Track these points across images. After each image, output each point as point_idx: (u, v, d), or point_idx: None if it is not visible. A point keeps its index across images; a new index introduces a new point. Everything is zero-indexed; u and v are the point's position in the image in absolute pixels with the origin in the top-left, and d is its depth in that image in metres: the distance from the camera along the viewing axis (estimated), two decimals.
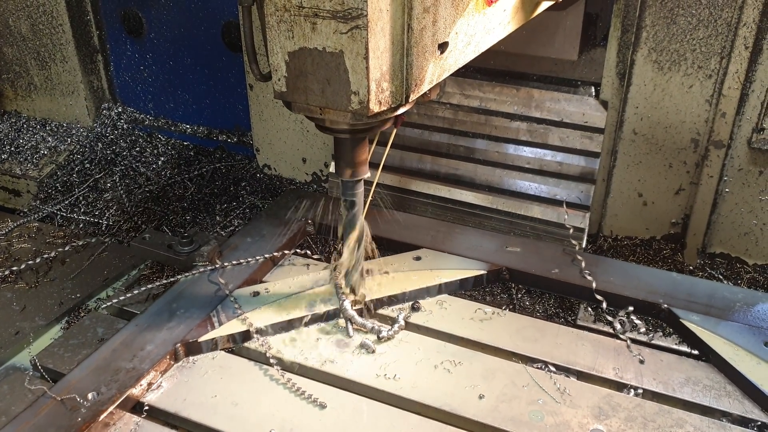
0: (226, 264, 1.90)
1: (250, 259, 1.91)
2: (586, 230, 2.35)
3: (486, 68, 2.43)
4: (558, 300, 1.92)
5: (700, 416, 1.52)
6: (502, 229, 2.34)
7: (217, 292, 1.80)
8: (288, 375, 1.58)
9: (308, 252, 2.03)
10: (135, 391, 1.52)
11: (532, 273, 1.95)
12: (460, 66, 1.52)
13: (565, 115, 2.32)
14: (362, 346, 1.67)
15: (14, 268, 2.09)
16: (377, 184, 2.48)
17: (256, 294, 1.79)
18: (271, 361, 1.62)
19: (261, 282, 1.90)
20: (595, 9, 2.16)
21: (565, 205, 2.32)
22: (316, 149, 2.62)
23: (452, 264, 1.96)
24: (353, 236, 1.71)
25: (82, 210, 2.66)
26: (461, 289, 1.92)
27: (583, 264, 1.94)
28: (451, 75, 2.41)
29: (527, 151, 2.41)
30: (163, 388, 1.56)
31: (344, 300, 1.73)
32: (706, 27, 2.04)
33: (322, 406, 1.51)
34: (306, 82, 1.35)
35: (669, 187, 2.28)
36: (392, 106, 1.38)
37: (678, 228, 2.31)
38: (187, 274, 1.86)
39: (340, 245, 1.75)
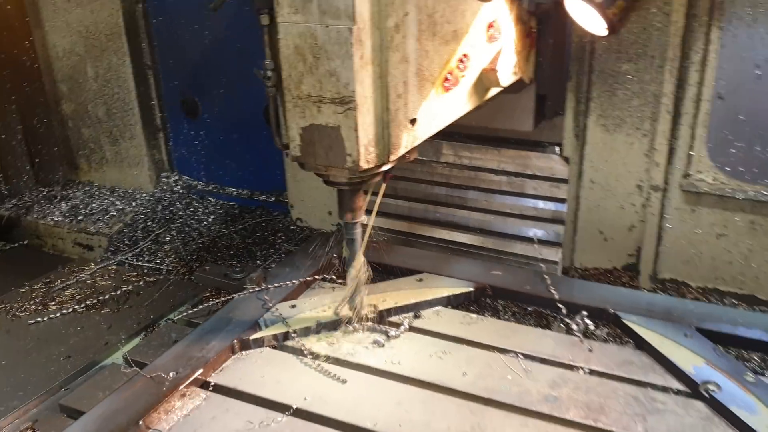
0: (269, 286, 2.31)
1: (288, 283, 2.32)
2: (560, 263, 2.67)
3: (474, 135, 2.79)
4: (528, 309, 2.29)
5: (631, 386, 1.87)
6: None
7: (263, 306, 2.21)
8: (318, 362, 1.99)
9: (334, 278, 2.43)
10: (203, 372, 1.92)
11: (509, 289, 2.33)
12: (429, 136, 1.87)
13: (536, 169, 2.70)
14: (375, 342, 2.08)
15: (99, 298, 2.52)
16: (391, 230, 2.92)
17: (294, 306, 2.21)
18: (305, 353, 2.03)
19: (297, 299, 2.30)
20: (544, 91, 2.44)
21: (537, 242, 2.67)
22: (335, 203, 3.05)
23: (447, 284, 2.34)
24: (354, 268, 2.02)
25: (146, 259, 3.02)
26: (453, 302, 2.29)
27: (549, 282, 2.33)
28: (446, 140, 2.88)
29: (509, 200, 2.80)
30: (224, 371, 1.96)
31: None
32: (638, 98, 2.36)
33: (344, 382, 1.91)
34: (314, 148, 1.71)
35: (623, 224, 2.55)
36: (377, 164, 1.72)
37: (633, 258, 2.57)
38: (239, 294, 2.29)
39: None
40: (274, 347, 2.07)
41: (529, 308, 2.31)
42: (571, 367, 1.96)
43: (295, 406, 1.82)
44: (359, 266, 2.03)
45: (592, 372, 1.94)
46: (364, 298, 2.10)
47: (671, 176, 2.43)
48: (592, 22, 2.07)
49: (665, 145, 2.39)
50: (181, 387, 1.85)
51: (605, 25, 2.03)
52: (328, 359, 2.01)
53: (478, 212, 2.86)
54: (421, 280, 2.36)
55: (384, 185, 2.01)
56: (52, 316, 2.41)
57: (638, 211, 2.52)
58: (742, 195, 2.32)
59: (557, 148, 2.62)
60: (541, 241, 2.73)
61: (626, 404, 1.80)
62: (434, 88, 1.82)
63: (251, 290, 2.28)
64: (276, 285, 2.30)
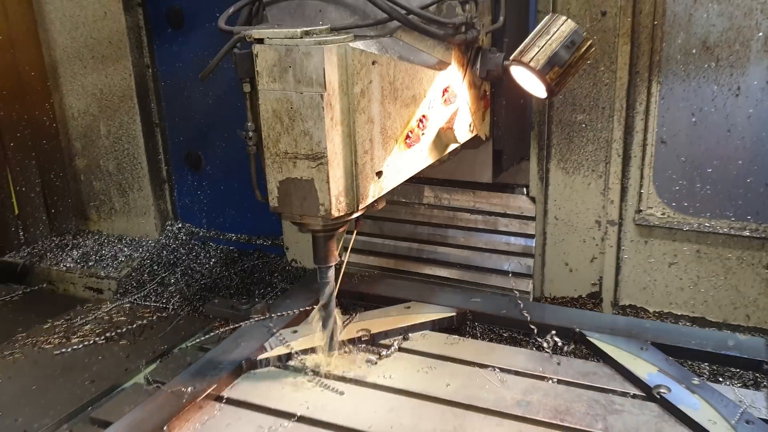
0: (273, 315, 2.52)
1: (289, 312, 2.54)
2: (531, 293, 2.84)
3: (451, 180, 2.99)
4: (504, 330, 2.52)
5: (593, 392, 2.08)
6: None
7: (268, 332, 2.42)
8: (318, 378, 2.20)
9: None
10: (217, 387, 2.12)
11: (487, 313, 2.55)
12: (393, 187, 2.02)
13: (507, 208, 2.89)
14: (368, 361, 2.29)
15: (117, 331, 2.69)
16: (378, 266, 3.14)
17: (295, 331, 2.42)
18: (307, 371, 2.23)
19: (297, 326, 2.50)
20: (500, 147, 2.60)
21: (511, 275, 2.92)
22: None
23: (432, 310, 2.55)
24: (325, 308, 2.16)
25: (153, 299, 3.17)
26: (438, 326, 2.50)
27: (522, 306, 2.55)
28: (428, 184, 3.09)
29: (484, 236, 3.02)
30: (235, 387, 2.16)
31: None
32: (592, 143, 2.58)
33: (341, 393, 2.12)
34: (290, 199, 1.85)
35: (585, 256, 2.73)
36: (347, 212, 1.86)
37: (596, 287, 2.75)
38: (246, 322, 2.50)
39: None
40: (278, 366, 2.28)
41: (505, 331, 2.52)
42: (541, 378, 2.17)
43: (299, 414, 2.02)
44: (331, 307, 2.17)
45: (559, 381, 2.15)
46: (337, 332, 2.25)
47: (625, 212, 2.63)
48: (534, 86, 2.19)
49: (618, 185, 2.60)
50: (197, 400, 2.05)
51: (544, 89, 2.15)
52: (328, 376, 2.22)
53: (457, 248, 3.04)
54: (408, 307, 2.58)
55: (355, 231, 2.16)
56: (74, 347, 2.60)
57: (598, 244, 2.72)
58: (688, 227, 2.53)
59: (525, 189, 2.84)
60: (514, 274, 2.96)
61: (589, 406, 2.02)
62: (397, 144, 1.98)
63: (257, 319, 2.50)
64: (279, 314, 2.52)
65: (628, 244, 2.67)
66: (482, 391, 2.11)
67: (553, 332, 2.38)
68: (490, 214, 3.00)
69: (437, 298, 2.65)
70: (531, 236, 2.88)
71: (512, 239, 2.95)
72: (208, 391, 2.09)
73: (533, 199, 2.83)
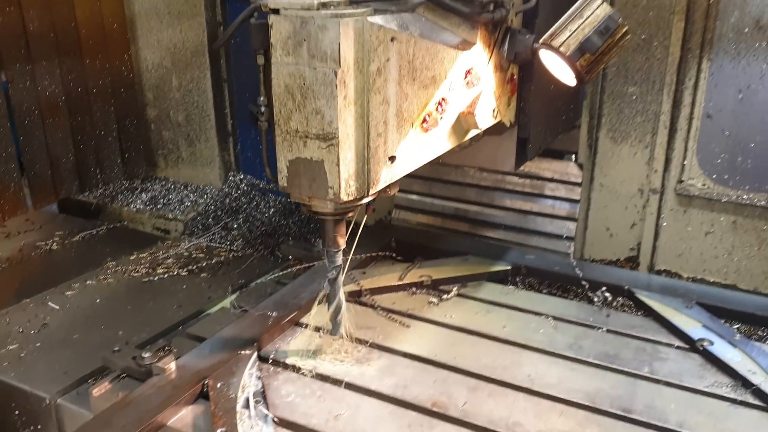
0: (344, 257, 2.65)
1: (358, 256, 2.64)
2: (572, 255, 2.94)
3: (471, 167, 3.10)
4: (556, 285, 2.63)
5: (640, 341, 2.20)
6: None
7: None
8: (386, 313, 2.34)
9: (394, 254, 2.78)
10: (298, 314, 2.26)
11: (541, 269, 2.65)
12: (408, 173, 1.86)
13: (555, 173, 3.02)
14: (430, 302, 2.42)
15: (197, 266, 2.83)
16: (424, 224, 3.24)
17: (364, 272, 2.55)
18: (376, 306, 2.37)
19: (366, 267, 2.63)
20: (524, 135, 2.41)
21: (565, 236, 3.00)
22: (385, 201, 3.35)
23: (488, 263, 2.66)
24: (335, 294, 2.05)
25: (218, 242, 3.32)
26: (494, 278, 2.60)
27: (575, 263, 2.67)
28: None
29: (530, 200, 3.15)
30: (312, 315, 2.30)
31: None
32: (641, 115, 2.63)
33: (408, 326, 2.26)
34: (300, 179, 1.70)
35: (626, 222, 2.79)
36: (357, 197, 1.71)
37: (634, 252, 2.80)
38: (319, 262, 2.62)
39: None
40: (349, 301, 2.42)
41: (556, 286, 2.63)
42: (591, 327, 2.27)
43: (371, 341, 2.17)
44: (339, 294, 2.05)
45: (608, 331, 2.26)
46: (345, 319, 2.12)
47: (667, 182, 2.69)
48: (564, 72, 2.04)
49: (662, 155, 2.66)
50: (281, 323, 2.20)
51: (574, 76, 2.00)
52: (394, 312, 2.36)
53: (503, 210, 3.17)
54: (466, 259, 2.67)
55: (366, 216, 2.00)
56: (160, 276, 2.76)
57: (639, 211, 2.77)
58: (726, 198, 2.59)
59: (573, 156, 2.96)
60: (556, 236, 3.08)
61: (635, 353, 2.14)
62: (413, 128, 1.82)
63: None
64: (348, 257, 2.65)
65: (668, 213, 2.73)
66: (536, 334, 2.24)
67: (603, 288, 2.49)
68: (538, 178, 3.11)
69: (494, 253, 2.75)
70: (576, 201, 2.98)
71: (557, 203, 3.07)
72: (290, 317, 2.23)
73: (581, 166, 2.88)
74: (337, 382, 1.98)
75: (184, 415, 1.86)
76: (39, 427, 2.11)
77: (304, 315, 2.27)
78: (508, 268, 2.64)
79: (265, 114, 1.80)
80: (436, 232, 3.07)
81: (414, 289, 2.50)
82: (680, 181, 2.69)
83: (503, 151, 2.52)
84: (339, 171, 1.65)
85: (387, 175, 1.78)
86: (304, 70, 1.61)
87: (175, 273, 2.78)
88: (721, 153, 2.62)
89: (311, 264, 2.64)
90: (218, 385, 1.91)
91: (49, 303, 2.59)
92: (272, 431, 1.78)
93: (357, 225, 2.02)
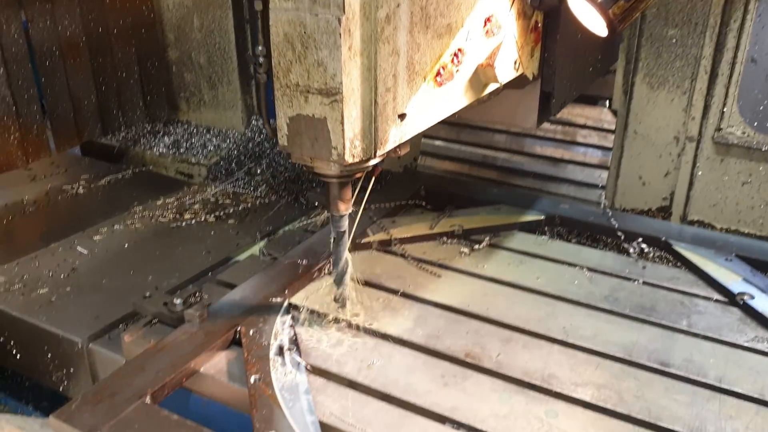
0: (372, 206, 2.56)
1: (386, 204, 2.59)
2: (603, 204, 2.85)
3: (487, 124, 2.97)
4: (590, 236, 2.54)
5: (677, 294, 2.13)
6: None
7: (369, 219, 2.48)
8: (417, 262, 2.28)
9: (423, 203, 2.70)
10: (327, 263, 2.19)
11: (575, 219, 2.55)
12: (420, 131, 1.67)
13: (587, 120, 2.90)
14: (461, 252, 2.36)
15: (225, 212, 2.78)
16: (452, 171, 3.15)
17: (394, 221, 2.49)
18: (406, 256, 2.32)
19: (395, 216, 2.57)
20: (548, 88, 2.16)
21: (599, 187, 2.89)
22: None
23: (521, 213, 2.58)
24: (341, 262, 1.90)
25: (242, 187, 3.27)
26: (527, 228, 2.52)
27: (610, 213, 2.58)
28: None
29: (562, 146, 3.06)
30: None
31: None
32: (680, 59, 2.54)
33: (439, 276, 2.20)
34: (301, 138, 1.54)
35: (660, 171, 2.73)
36: (363, 159, 1.54)
37: (667, 201, 2.75)
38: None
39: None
40: (379, 250, 2.37)
41: (591, 236, 2.54)
42: (627, 279, 2.21)
43: (401, 290, 2.12)
44: (346, 260, 1.91)
45: (644, 283, 2.19)
46: (348, 290, 2.00)
47: (705, 129, 2.60)
48: (594, 21, 1.87)
49: (701, 102, 2.56)
50: (311, 271, 2.15)
51: (605, 25, 1.82)
52: (425, 261, 2.30)
53: (532, 157, 3.07)
54: (498, 209, 2.60)
55: (373, 178, 1.84)
56: (187, 222, 2.71)
57: (674, 159, 2.70)
58: (766, 147, 2.51)
59: (607, 102, 2.83)
60: (586, 184, 2.98)
61: (673, 306, 2.07)
62: (425, 82, 1.62)
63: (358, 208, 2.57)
64: (377, 205, 2.59)
65: (704, 162, 2.66)
66: (571, 286, 2.18)
67: (640, 239, 2.42)
68: (570, 125, 2.99)
69: (526, 202, 2.66)
70: (608, 149, 2.89)
71: (589, 151, 2.95)
72: (320, 265, 2.19)
73: (615, 113, 2.79)
74: (369, 331, 1.95)
75: (218, 361, 1.83)
76: (72, 370, 2.10)
77: None
78: (542, 217, 2.56)
79: (263, 65, 1.66)
80: (466, 180, 2.98)
81: (445, 238, 2.44)
82: (718, 129, 2.60)
83: (524, 106, 2.24)
84: (343, 130, 1.48)
85: (396, 135, 1.60)
86: (305, 16, 1.43)
87: (203, 219, 2.74)
88: (763, 99, 2.55)
89: None
90: (250, 332, 1.88)
91: (78, 247, 2.57)
92: (305, 379, 1.75)
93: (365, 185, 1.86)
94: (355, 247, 2.34)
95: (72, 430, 1.58)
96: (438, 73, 1.66)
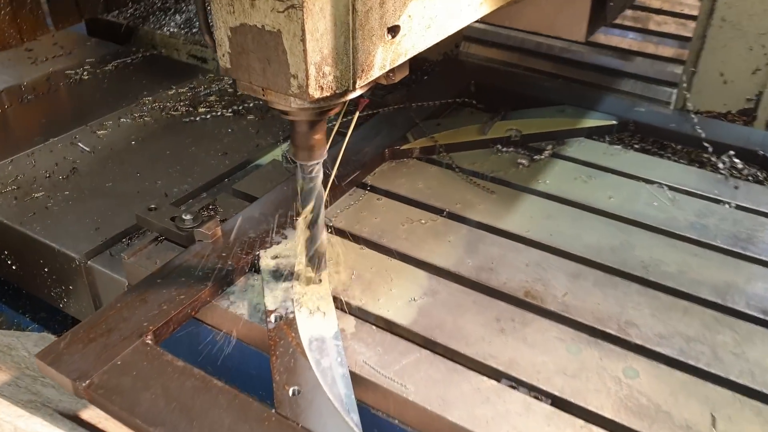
0: (413, 104, 2.12)
1: (430, 102, 2.13)
2: (672, 104, 2.47)
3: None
4: (671, 146, 2.07)
5: None
6: None
7: (409, 122, 2.04)
8: (466, 176, 1.86)
9: (474, 101, 2.23)
10: (360, 174, 1.81)
11: (653, 125, 2.08)
12: (421, 50, 1.19)
13: (663, 3, 2.43)
14: (519, 163, 1.92)
15: (244, 105, 2.34)
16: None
17: (439, 124, 2.03)
18: (453, 166, 1.89)
19: (440, 118, 2.11)
20: None
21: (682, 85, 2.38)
22: None
23: (589, 116, 2.11)
24: (306, 215, 1.36)
25: None
26: (596, 134, 2.07)
27: (695, 120, 2.10)
28: None
29: (628, 35, 2.55)
30: (378, 175, 1.85)
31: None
32: None
33: (492, 192, 1.79)
34: (248, 60, 1.07)
35: (747, 67, 2.26)
36: (337, 92, 1.07)
37: (751, 103, 2.30)
38: (384, 108, 2.12)
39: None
40: (421, 159, 1.93)
41: (672, 147, 2.07)
42: (717, 201, 1.79)
43: (447, 210, 1.72)
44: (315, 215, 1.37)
45: (738, 207, 1.77)
46: (324, 254, 1.45)
47: None
48: None
49: None
50: (342, 184, 1.75)
51: None
52: (476, 174, 1.87)
53: (594, 47, 2.61)
54: (563, 110, 2.13)
55: (357, 113, 1.39)
56: (202, 116, 2.29)
57: (766, 53, 2.22)
58: None
59: None
60: (655, 80, 2.49)
61: None
62: None
63: (396, 106, 2.11)
64: (418, 104, 2.12)
65: None
66: (650, 208, 1.75)
67: (731, 152, 1.95)
68: (642, 9, 2.50)
69: (595, 104, 2.18)
70: (686, 39, 2.43)
71: (663, 41, 2.51)
72: (352, 177, 1.77)
73: None
74: (406, 258, 1.56)
75: (232, 291, 1.48)
76: (71, 287, 1.78)
77: (368, 175, 1.81)
78: (614, 122, 2.09)
79: None
80: (524, 74, 2.48)
81: (499, 146, 1.99)
82: None
83: (571, 10, 1.78)
84: (305, 50, 0.99)
85: (386, 56, 1.10)
86: None
87: (219, 113, 2.30)
88: None
89: (375, 111, 2.11)
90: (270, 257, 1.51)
91: (79, 144, 2.17)
92: (335, 318, 1.40)
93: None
94: (392, 155, 1.91)
95: (57, 375, 1.26)
96: None
